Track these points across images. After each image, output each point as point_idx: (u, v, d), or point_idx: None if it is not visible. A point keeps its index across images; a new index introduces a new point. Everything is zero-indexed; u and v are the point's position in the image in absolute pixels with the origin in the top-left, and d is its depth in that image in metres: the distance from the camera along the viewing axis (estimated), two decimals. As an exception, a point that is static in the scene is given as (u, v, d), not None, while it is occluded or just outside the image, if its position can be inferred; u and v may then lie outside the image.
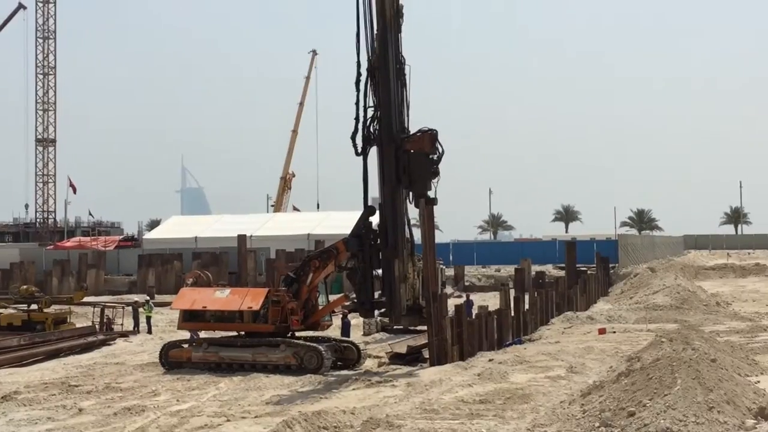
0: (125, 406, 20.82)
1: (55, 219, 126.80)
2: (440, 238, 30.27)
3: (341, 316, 33.74)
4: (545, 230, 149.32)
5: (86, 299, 46.67)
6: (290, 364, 26.50)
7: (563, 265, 60.73)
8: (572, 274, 53.93)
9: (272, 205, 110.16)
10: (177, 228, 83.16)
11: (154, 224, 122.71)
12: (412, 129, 27.68)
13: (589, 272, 56.34)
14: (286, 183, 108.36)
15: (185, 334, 30.21)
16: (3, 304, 41.85)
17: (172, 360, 27.84)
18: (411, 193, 27.47)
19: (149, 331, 40.40)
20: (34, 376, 27.09)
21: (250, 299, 27.88)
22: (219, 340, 28.27)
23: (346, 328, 33.26)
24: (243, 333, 28.03)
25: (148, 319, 41.49)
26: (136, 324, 41.83)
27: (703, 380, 15.63)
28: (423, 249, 27.61)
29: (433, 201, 27.40)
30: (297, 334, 27.91)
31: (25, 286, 43.89)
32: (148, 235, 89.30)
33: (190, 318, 28.51)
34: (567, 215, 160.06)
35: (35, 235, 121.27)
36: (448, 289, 48.37)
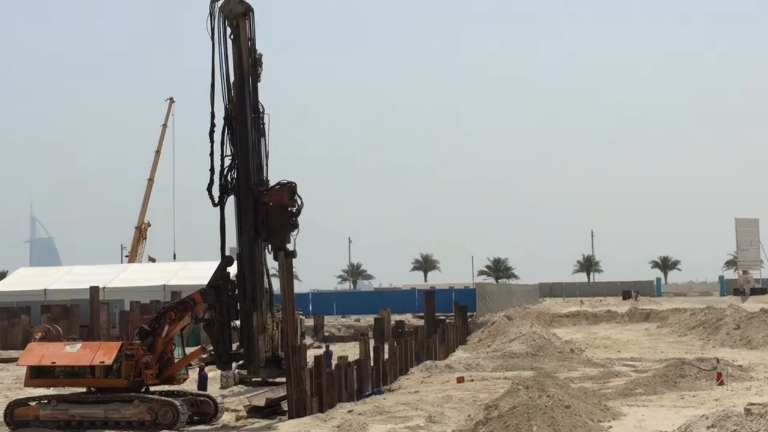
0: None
1: None
2: (299, 287, 30.23)
3: (198, 369, 33.02)
4: (405, 279, 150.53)
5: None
6: (144, 420, 25.67)
7: (422, 314, 61.23)
8: (431, 322, 54.40)
9: (126, 256, 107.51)
10: (25, 280, 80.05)
11: (0, 276, 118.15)
12: (273, 178, 27.52)
13: (447, 321, 56.96)
14: (141, 233, 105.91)
15: (33, 391, 28.94)
16: None
17: (18, 419, 26.59)
18: (270, 245, 27.24)
19: None
20: None
21: (103, 353, 26.92)
22: (69, 396, 27.17)
23: (203, 381, 32.55)
24: (95, 389, 27.03)
25: None
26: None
27: (558, 427, 15.88)
28: (282, 302, 27.34)
29: (293, 254, 27.24)
30: (152, 388, 27.08)
31: None
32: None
33: (39, 374, 27.29)
34: (426, 264, 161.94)
35: None
36: (308, 340, 48.08)
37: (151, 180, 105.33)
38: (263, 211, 26.81)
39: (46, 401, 26.95)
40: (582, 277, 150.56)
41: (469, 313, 63.28)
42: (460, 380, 32.54)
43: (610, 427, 19.16)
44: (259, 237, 26.88)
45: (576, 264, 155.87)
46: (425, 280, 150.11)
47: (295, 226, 26.97)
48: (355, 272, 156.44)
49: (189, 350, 29.21)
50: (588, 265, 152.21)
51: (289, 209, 26.91)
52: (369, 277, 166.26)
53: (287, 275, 27.57)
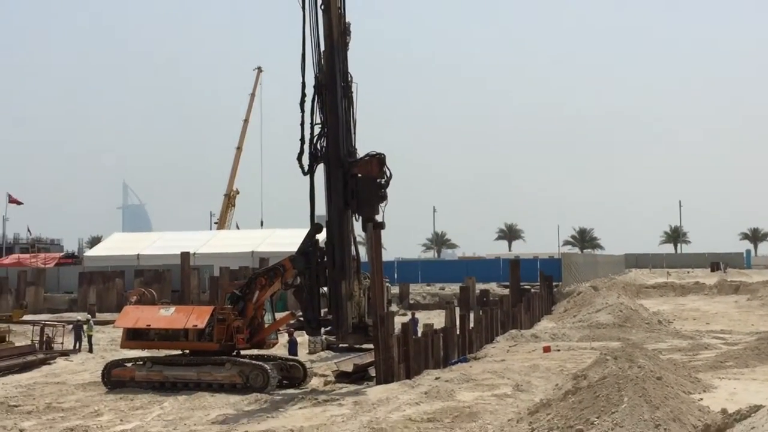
0: (67, 426, 20.48)
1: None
2: (384, 255, 30.28)
3: (287, 334, 33.53)
4: (489, 248, 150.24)
5: (25, 317, 45.94)
6: (236, 382, 26.26)
7: (507, 283, 61.07)
8: (516, 292, 54.25)
9: (216, 223, 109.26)
10: (119, 245, 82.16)
11: (95, 241, 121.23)
12: (360, 148, 27.72)
13: (532, 290, 56.74)
14: (230, 200, 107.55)
15: (128, 353, 29.78)
16: (-61, 323, 41.01)
17: (114, 379, 27.44)
18: (358, 216, 27.49)
19: (90, 350, 39.77)
20: (-28, 397, 26.50)
21: (195, 317, 27.60)
22: (163, 358, 27.93)
23: (292, 347, 33.05)
24: (188, 351, 27.72)
25: (89, 337, 40.83)
26: (79, 342, 41.17)
27: (649, 398, 15.79)
28: (371, 273, 27.60)
29: (381, 225, 27.45)
30: (242, 352, 27.68)
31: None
32: (89, 253, 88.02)
33: (134, 336, 28.14)
34: (510, 233, 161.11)
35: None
36: (393, 307, 48.34)
37: (239, 149, 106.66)
38: (352, 182, 27.03)
39: (141, 363, 27.75)
40: (669, 249, 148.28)
41: (554, 283, 62.93)
42: (547, 349, 32.47)
43: (701, 399, 18.96)
44: (348, 208, 27.14)
45: (663, 235, 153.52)
46: (509, 250, 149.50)
47: (383, 197, 27.14)
48: (439, 241, 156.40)
49: (278, 316, 29.74)
50: (675, 236, 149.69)
51: (378, 181, 27.07)
52: (453, 245, 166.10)
53: (376, 247, 27.82)
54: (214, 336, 27.04)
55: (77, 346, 40.88)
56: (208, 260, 69.59)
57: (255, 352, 28.18)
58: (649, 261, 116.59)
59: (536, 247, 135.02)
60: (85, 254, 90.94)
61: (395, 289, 62.74)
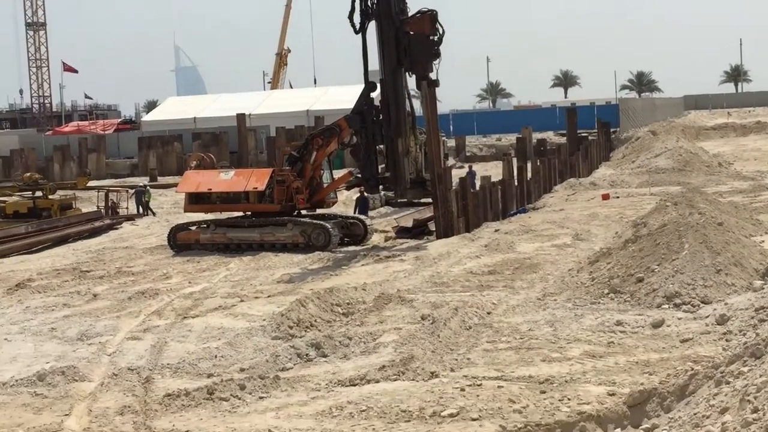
0: (138, 290, 21.08)
1: (51, 104, 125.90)
2: (439, 108, 30.17)
3: (358, 193, 33.65)
4: (544, 96, 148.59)
5: (90, 184, 46.89)
6: (298, 242, 26.73)
7: (564, 131, 60.65)
8: (573, 140, 53.94)
9: (269, 82, 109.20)
10: (175, 109, 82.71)
11: (151, 106, 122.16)
12: (411, 4, 27.23)
13: (590, 138, 56.31)
14: (282, 59, 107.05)
15: (192, 216, 30.36)
16: (7, 192, 42.08)
17: (180, 242, 28.08)
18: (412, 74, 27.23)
19: (151, 214, 40.66)
20: (45, 263, 27.37)
21: (255, 180, 27.94)
22: (226, 221, 28.47)
23: (363, 205, 33.20)
24: (249, 213, 28.20)
25: (147, 203, 41.72)
26: (141, 207, 42.07)
27: (710, 244, 15.81)
28: (426, 130, 27.50)
29: (435, 83, 27.18)
30: (303, 212, 28.08)
31: (28, 174, 44.02)
32: (147, 117, 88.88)
33: (196, 201, 28.66)
34: (566, 80, 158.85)
35: (32, 121, 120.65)
36: (450, 161, 48.39)
37: (288, 6, 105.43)
38: (405, 40, 26.67)
39: (205, 226, 28.33)
40: (729, 88, 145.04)
41: (612, 129, 62.30)
42: (605, 197, 32.43)
43: (763, 241, 18.94)
44: (401, 66, 26.88)
45: (723, 75, 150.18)
46: (565, 97, 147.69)
47: (437, 55, 26.76)
48: (494, 91, 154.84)
49: (337, 175, 29.98)
50: (736, 75, 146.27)
51: (431, 38, 26.67)
52: (508, 95, 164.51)
53: (431, 105, 27.67)
54: (274, 197, 27.41)
55: (140, 211, 41.80)
56: (264, 121, 69.84)
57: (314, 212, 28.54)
58: (709, 102, 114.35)
59: (593, 93, 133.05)
60: (142, 119, 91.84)
61: (451, 142, 62.63)
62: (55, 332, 17.11)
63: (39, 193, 40.21)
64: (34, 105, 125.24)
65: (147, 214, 41.01)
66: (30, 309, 19.62)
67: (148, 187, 43.87)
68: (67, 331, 17.08)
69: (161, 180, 56.90)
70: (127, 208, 42.05)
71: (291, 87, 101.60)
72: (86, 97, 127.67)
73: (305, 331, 15.88)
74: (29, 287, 22.24)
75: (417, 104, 29.83)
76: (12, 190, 42.32)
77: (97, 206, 41.39)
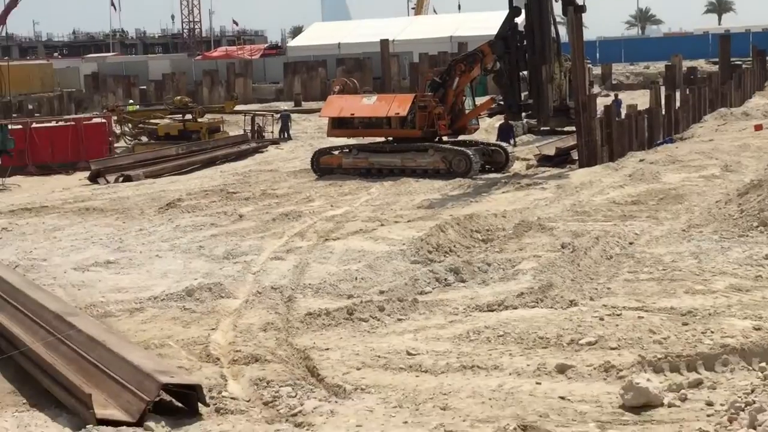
0: (282, 212, 21.54)
1: (200, 29, 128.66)
2: (586, 35, 29.38)
3: (500, 120, 33.31)
4: (697, 23, 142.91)
5: (237, 108, 47.89)
6: (439, 168, 26.75)
7: (716, 59, 58.31)
8: (726, 68, 51.81)
9: (413, 8, 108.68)
10: (320, 34, 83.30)
11: (296, 31, 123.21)
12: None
13: (744, 66, 54.02)
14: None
15: (335, 141, 30.71)
16: (159, 115, 43.41)
17: (323, 166, 28.49)
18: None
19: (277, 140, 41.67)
20: (193, 184, 28.25)
21: (397, 105, 27.99)
22: (368, 146, 28.68)
23: (505, 133, 32.86)
24: (391, 138, 28.33)
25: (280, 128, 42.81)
26: (286, 132, 42.83)
27: None
28: (572, 57, 26.94)
29: (582, 8, 26.52)
30: (444, 138, 28.03)
31: (178, 97, 45.24)
32: (292, 43, 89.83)
33: (339, 125, 28.95)
34: (720, 6, 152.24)
35: (183, 46, 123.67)
36: (595, 89, 47.34)
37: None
38: (551, -36, 26.02)
39: (347, 150, 28.64)
40: None
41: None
42: (758, 128, 31.17)
43: None
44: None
45: None
46: (719, 24, 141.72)
47: (583, -21, 26.05)
48: (643, 17, 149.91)
49: (479, 101, 29.75)
50: None
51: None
52: (658, 21, 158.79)
53: (577, 32, 27.05)
54: (416, 123, 27.43)
55: (284, 135, 42.57)
56: (407, 47, 69.64)
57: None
58: None
59: (749, 19, 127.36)
60: (287, 45, 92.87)
61: (597, 70, 61.18)
62: (203, 250, 17.69)
63: (189, 117, 41.36)
64: (184, 30, 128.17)
65: (289, 139, 41.82)
66: (179, 227, 20.32)
67: (288, 113, 44.70)
68: (214, 250, 17.64)
69: (305, 105, 57.62)
70: (272, 132, 42.86)
71: (435, 13, 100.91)
72: (234, 22, 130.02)
73: (444, 256, 15.98)
74: (179, 207, 23.04)
75: (562, 30, 29.16)
76: (163, 113, 43.63)
77: (244, 130, 42.35)
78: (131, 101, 54.63)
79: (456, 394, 9.19)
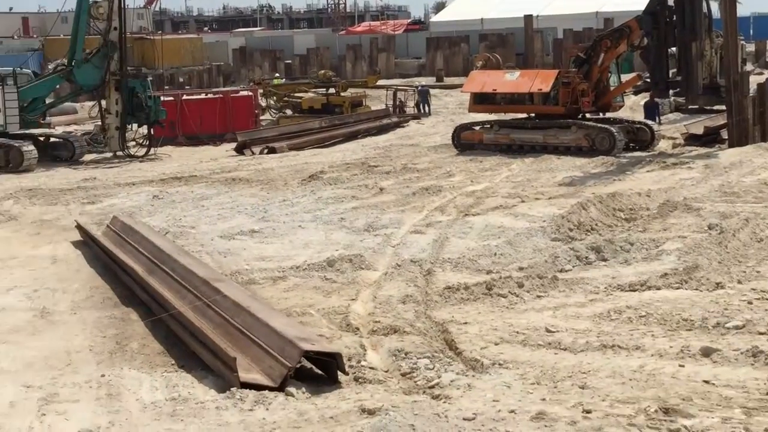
0: (422, 186, 21.63)
1: (345, 4, 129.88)
2: (739, 10, 28.32)
3: (647, 97, 32.52)
4: None
5: (379, 83, 48.22)
6: (581, 145, 26.35)
7: None
8: None
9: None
10: (462, 10, 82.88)
11: (439, 7, 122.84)
12: None
13: None
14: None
15: (476, 117, 30.60)
16: (303, 89, 44.12)
17: (464, 142, 28.44)
18: None
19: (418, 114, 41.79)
20: (335, 157, 28.63)
21: (540, 81, 27.67)
22: (509, 122, 28.47)
23: (651, 110, 32.08)
24: (533, 115, 28.05)
25: (417, 103, 42.89)
26: (426, 106, 42.92)
27: None
28: (724, 33, 26.00)
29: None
30: (588, 115, 27.58)
31: (322, 71, 45.89)
32: (435, 18, 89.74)
33: (481, 101, 28.82)
34: None
35: (327, 20, 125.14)
36: (748, 66, 45.65)
37: None
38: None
39: (488, 126, 28.50)
40: None
41: None
42: None
43: None
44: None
45: None
46: None
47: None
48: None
49: (624, 78, 29.13)
50: None
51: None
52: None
53: (730, 6, 26.13)
54: (559, 99, 27.07)
55: (424, 110, 42.67)
56: (551, 22, 68.64)
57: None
58: None
59: None
60: (430, 20, 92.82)
61: (750, 47, 59.00)
62: (344, 222, 17.95)
63: (332, 91, 41.91)
64: (329, 6, 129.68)
65: (429, 114, 41.93)
66: (321, 199, 20.65)
67: (419, 87, 44.85)
68: (354, 222, 17.87)
69: (447, 80, 57.55)
70: (413, 107, 43.03)
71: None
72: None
73: (585, 234, 15.77)
74: (321, 179, 23.40)
75: (714, 6, 28.19)
76: (308, 86, 44.31)
77: (386, 104, 42.63)
78: (277, 75, 55.64)
79: (595, 374, 9.09)
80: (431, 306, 12.06)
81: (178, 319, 11.12)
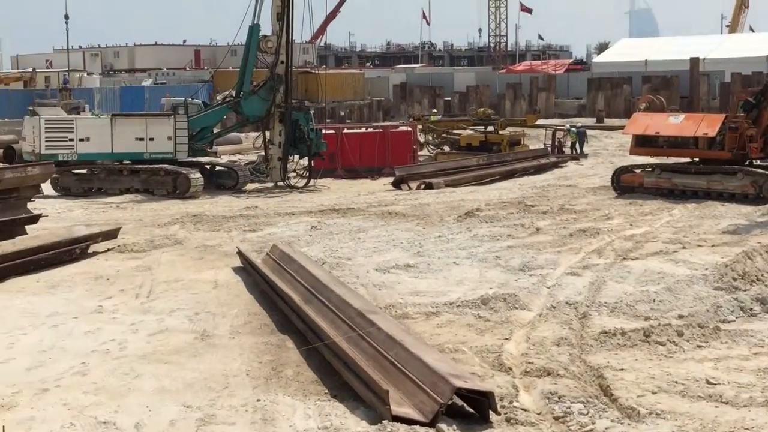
0: (580, 227, 21.32)
1: (506, 43, 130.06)
2: None
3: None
4: None
5: (538, 122, 47.99)
6: (748, 193, 25.47)
7: None
8: None
9: (727, 26, 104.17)
10: (626, 51, 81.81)
11: (602, 47, 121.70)
12: None
13: None
14: (742, 1, 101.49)
15: (636, 159, 30.02)
16: (462, 126, 44.34)
17: (623, 184, 27.93)
18: None
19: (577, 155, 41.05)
20: (492, 195, 28.57)
21: (706, 125, 26.93)
22: (672, 166, 27.80)
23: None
24: (697, 160, 27.31)
25: (573, 144, 42.12)
26: (581, 147, 42.43)
27: None
28: None
29: None
30: (756, 161, 26.65)
31: (481, 109, 46.07)
32: (597, 59, 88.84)
33: (643, 143, 28.26)
34: None
35: (488, 59, 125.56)
36: None
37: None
38: None
39: (650, 169, 27.90)
40: None
41: None
42: None
43: None
44: None
45: None
46: None
47: None
48: None
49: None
50: None
51: None
52: None
53: None
54: (725, 144, 26.27)
55: (581, 151, 42.16)
56: (719, 65, 66.91)
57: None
58: None
59: None
60: (593, 60, 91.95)
61: None
62: (499, 260, 17.84)
63: (490, 128, 41.93)
64: (490, 44, 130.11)
65: (585, 155, 41.40)
66: (477, 237, 20.61)
67: (572, 128, 44.27)
68: (510, 261, 17.75)
69: (607, 122, 56.78)
70: (571, 147, 42.58)
71: (751, 31, 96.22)
72: (539, 37, 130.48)
73: (750, 284, 15.18)
74: (477, 216, 23.37)
75: None
76: (466, 123, 44.51)
77: (544, 144, 42.37)
78: (434, 111, 56.12)
79: (759, 430, 8.72)
80: (586, 350, 11.84)
81: (332, 348, 11.27)
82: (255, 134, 41.27)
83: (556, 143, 42.14)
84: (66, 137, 31.46)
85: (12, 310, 14.53)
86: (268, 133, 33.97)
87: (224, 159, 38.82)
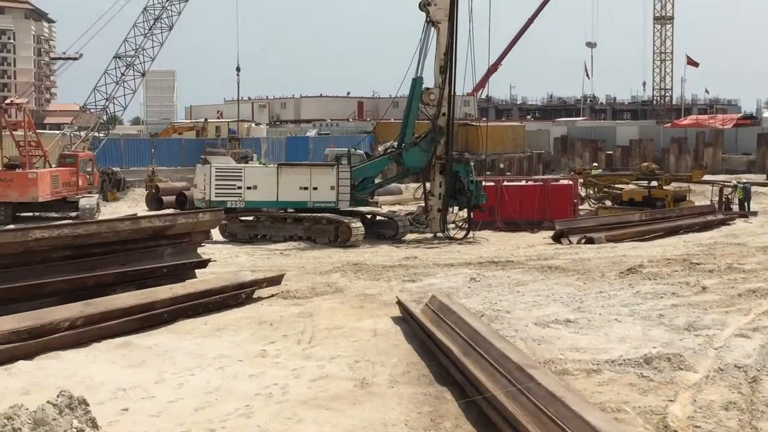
0: (750, 287, 20.54)
1: (671, 97, 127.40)
2: None
3: None
4: None
5: (705, 177, 46.72)
6: None
7: None
8: None
9: None
10: None
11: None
12: None
13: None
14: None
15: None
16: (624, 180, 43.59)
17: (797, 244, 26.84)
18: None
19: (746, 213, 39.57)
20: (655, 252, 27.87)
21: None
22: None
23: None
24: None
25: (740, 201, 40.61)
26: (747, 204, 41.02)
27: None
28: None
29: None
30: None
31: (645, 163, 45.21)
32: (767, 114, 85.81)
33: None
34: None
35: (652, 112, 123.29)
36: None
37: None
38: None
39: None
40: None
41: None
42: None
43: None
44: None
45: None
46: None
47: None
48: None
49: None
50: None
51: None
52: None
53: None
54: None
55: (748, 208, 40.73)
56: None
57: None
58: None
59: None
60: (763, 115, 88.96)
61: None
62: (663, 319, 17.35)
63: (654, 183, 41.07)
64: (655, 97, 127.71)
65: (755, 213, 39.94)
66: (640, 294, 20.12)
67: (739, 183, 42.77)
68: (674, 320, 17.23)
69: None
70: (739, 205, 41.20)
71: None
72: (706, 91, 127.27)
73: None
74: (640, 273, 22.83)
75: None
76: (629, 178, 43.74)
77: (711, 200, 41.14)
78: (595, 164, 55.37)
79: None
80: (757, 416, 11.34)
81: (491, 402, 11.18)
82: (415, 185, 41.72)
83: (724, 200, 40.85)
84: (235, 185, 32.59)
85: (181, 351, 15.05)
86: (428, 185, 34.27)
87: (384, 209, 39.32)
